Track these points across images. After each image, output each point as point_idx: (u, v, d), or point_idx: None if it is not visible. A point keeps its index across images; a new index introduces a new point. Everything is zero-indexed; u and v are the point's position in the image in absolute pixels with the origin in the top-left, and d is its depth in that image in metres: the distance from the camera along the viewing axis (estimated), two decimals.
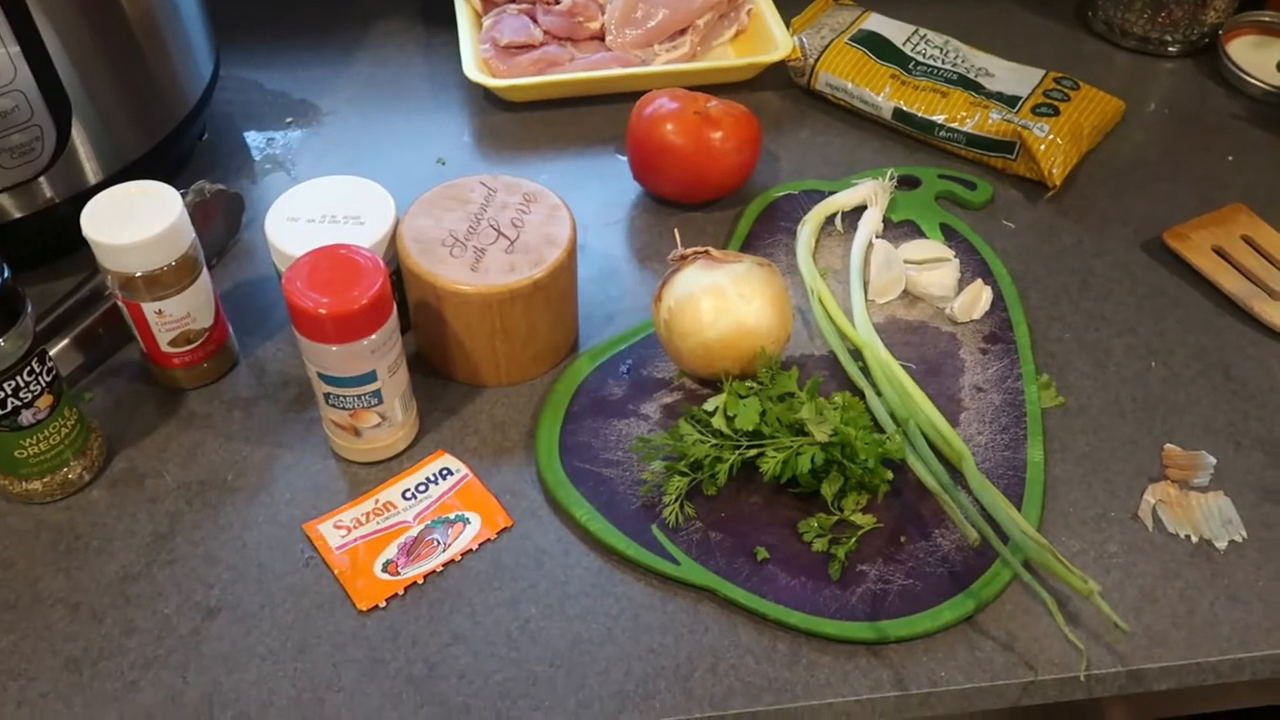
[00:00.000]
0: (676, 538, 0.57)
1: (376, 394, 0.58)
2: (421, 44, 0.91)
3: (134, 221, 0.58)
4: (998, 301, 0.70)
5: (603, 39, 0.87)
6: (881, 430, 0.61)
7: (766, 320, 0.61)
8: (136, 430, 0.63)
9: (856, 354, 0.66)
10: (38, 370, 0.55)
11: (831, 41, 0.85)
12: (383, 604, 0.55)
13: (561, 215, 0.64)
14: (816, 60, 0.85)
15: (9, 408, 0.54)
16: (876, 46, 0.85)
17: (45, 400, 0.56)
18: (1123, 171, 0.82)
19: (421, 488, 0.60)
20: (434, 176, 0.80)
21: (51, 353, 0.61)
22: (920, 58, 0.85)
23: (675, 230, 0.67)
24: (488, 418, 0.64)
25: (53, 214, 0.67)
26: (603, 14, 0.87)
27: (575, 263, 0.64)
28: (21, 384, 0.54)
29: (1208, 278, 0.72)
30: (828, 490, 0.57)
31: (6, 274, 0.52)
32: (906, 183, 0.79)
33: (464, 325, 0.62)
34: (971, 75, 0.84)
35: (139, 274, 0.59)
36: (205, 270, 0.62)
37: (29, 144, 0.63)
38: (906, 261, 0.71)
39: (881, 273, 0.70)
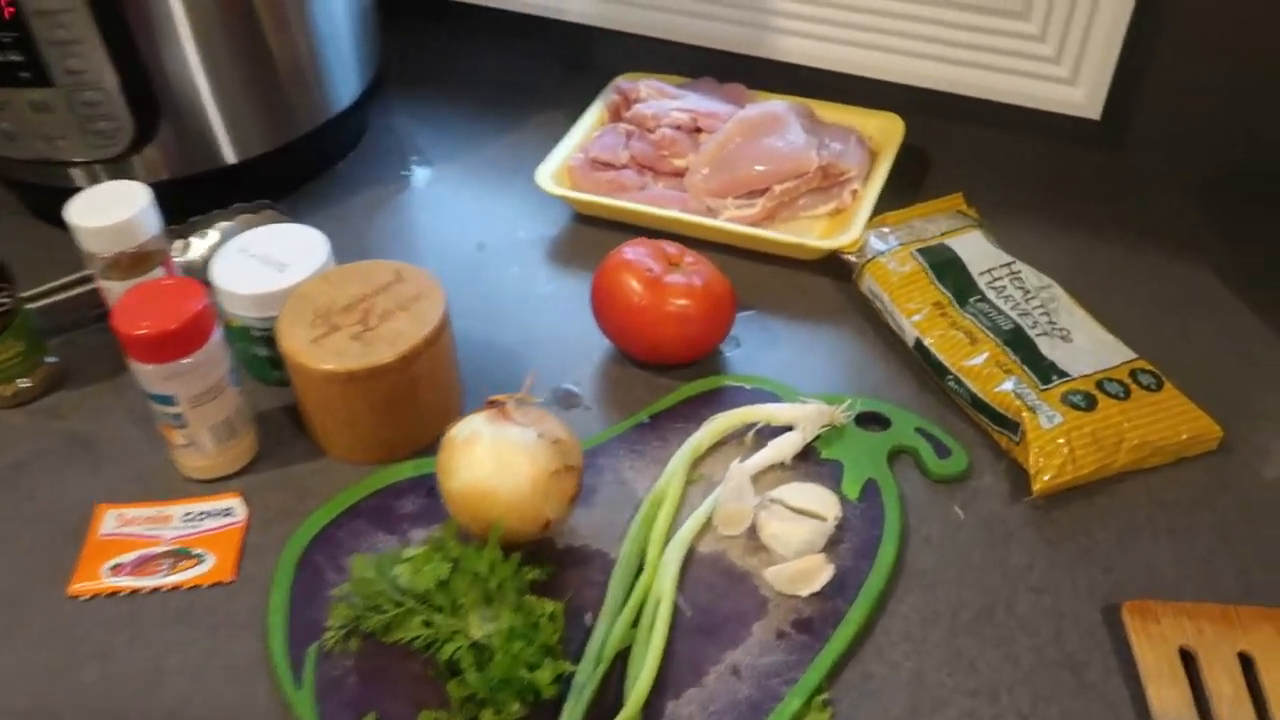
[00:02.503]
0: (324, 663, 0.56)
1: (178, 417, 0.63)
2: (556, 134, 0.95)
3: (104, 212, 0.69)
4: (847, 590, 0.59)
5: (683, 177, 0.85)
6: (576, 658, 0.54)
7: (513, 493, 0.57)
8: (85, 378, 0.75)
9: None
10: None
11: (896, 247, 0.76)
12: (86, 596, 0.61)
13: (425, 324, 0.64)
14: (867, 262, 0.76)
15: None
16: (942, 266, 0.74)
17: None
18: (1171, 510, 0.63)
19: (201, 516, 0.65)
20: (469, 257, 0.84)
21: (33, 305, 0.74)
22: (992, 293, 0.73)
23: (530, 375, 0.65)
24: (300, 481, 0.67)
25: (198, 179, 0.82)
26: (694, 154, 0.85)
27: (416, 372, 0.64)
28: None
29: (1140, 676, 0.54)
30: (454, 691, 0.53)
31: None
32: (877, 420, 0.68)
33: (300, 389, 0.66)
34: (1033, 331, 0.70)
35: (101, 254, 0.70)
36: (164, 266, 0.72)
37: (111, 131, 0.78)
38: (777, 501, 0.62)
39: (729, 502, 0.61)
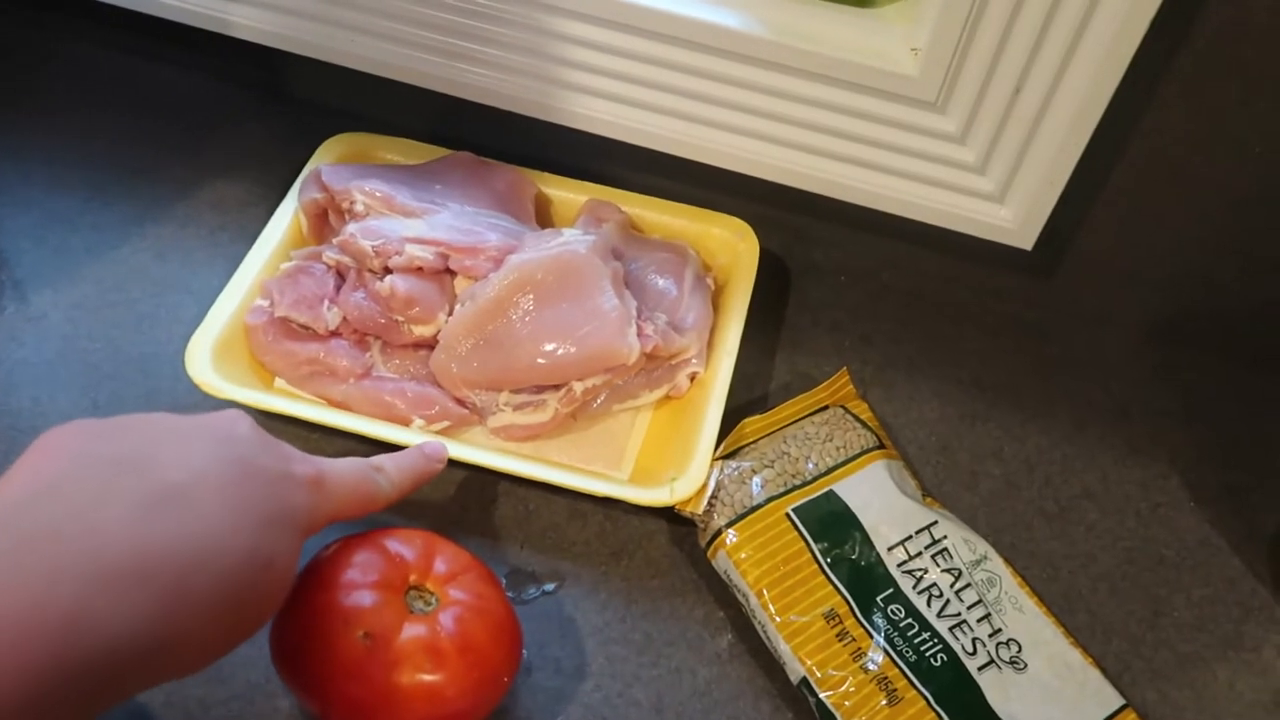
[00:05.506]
0: None
1: None
2: (229, 236, 0.62)
3: None
4: None
5: (429, 350, 0.54)
6: None
7: None
8: None
9: None
10: None
11: (763, 503, 0.49)
12: None
13: None
14: (719, 532, 0.49)
15: None
16: (832, 538, 0.48)
17: None
18: None
19: None
20: None
21: None
22: (908, 584, 0.48)
23: None
24: None
25: None
26: (445, 315, 0.54)
27: None
28: None
29: None
30: None
31: None
32: None
33: None
34: (974, 662, 0.46)
35: None
36: None
37: None
38: None
39: None
